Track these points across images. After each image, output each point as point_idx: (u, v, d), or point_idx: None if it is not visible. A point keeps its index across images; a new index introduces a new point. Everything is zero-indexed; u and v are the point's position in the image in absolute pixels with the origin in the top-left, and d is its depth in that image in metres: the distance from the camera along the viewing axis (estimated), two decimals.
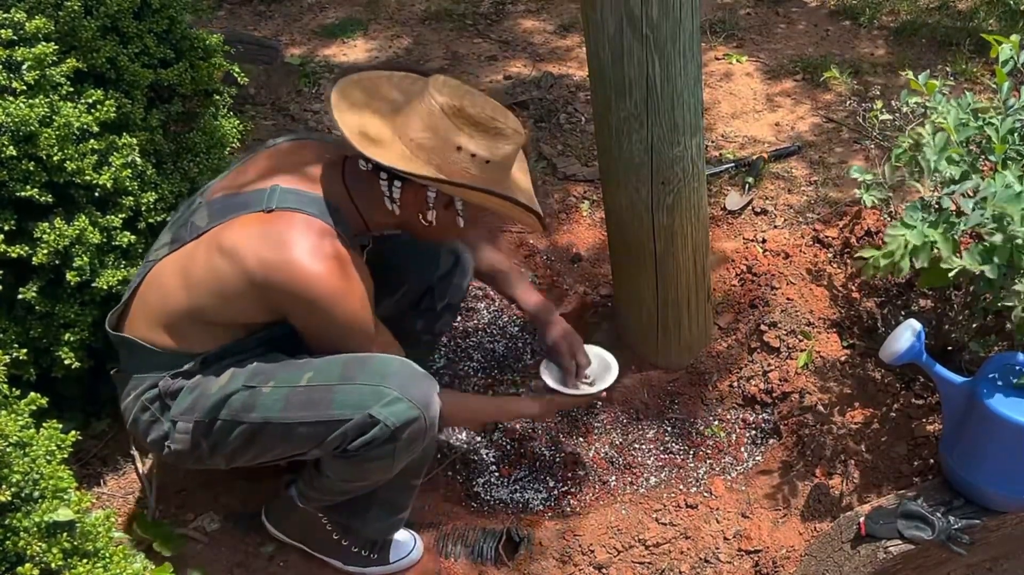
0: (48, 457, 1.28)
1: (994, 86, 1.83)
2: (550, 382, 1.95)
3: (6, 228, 1.69)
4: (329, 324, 1.56)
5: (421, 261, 1.96)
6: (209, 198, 1.62)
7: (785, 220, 2.62)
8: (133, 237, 1.83)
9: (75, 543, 1.25)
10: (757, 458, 2.18)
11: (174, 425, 1.59)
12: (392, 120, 1.57)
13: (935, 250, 1.66)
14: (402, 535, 1.91)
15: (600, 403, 2.33)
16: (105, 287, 1.77)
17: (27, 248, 1.70)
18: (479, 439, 2.25)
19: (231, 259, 1.51)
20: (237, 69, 2.12)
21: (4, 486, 1.18)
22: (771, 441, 2.19)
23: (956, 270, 1.62)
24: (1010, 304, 1.63)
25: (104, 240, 1.79)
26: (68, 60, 1.74)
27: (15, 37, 1.70)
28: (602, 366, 2.01)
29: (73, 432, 1.35)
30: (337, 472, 1.64)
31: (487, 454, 2.22)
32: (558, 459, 2.20)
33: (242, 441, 1.58)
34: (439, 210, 1.61)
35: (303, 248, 1.50)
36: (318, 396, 1.54)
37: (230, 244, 1.52)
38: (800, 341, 2.25)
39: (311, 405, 1.54)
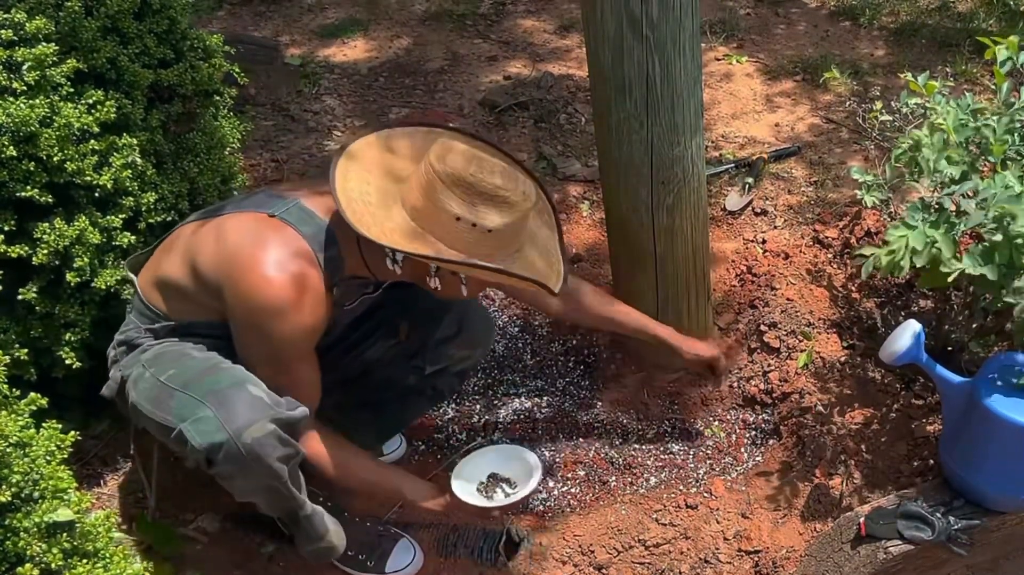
0: (48, 457, 1.28)
1: (994, 87, 1.83)
2: (459, 493, 1.75)
3: (6, 228, 1.69)
4: (255, 333, 1.55)
5: (421, 321, 1.91)
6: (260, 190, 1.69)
7: (785, 221, 2.62)
8: (133, 237, 1.83)
9: (75, 543, 1.25)
10: (757, 458, 2.18)
11: (116, 373, 1.65)
12: (399, 187, 1.56)
13: (935, 250, 1.66)
14: (402, 545, 1.91)
15: (599, 403, 2.33)
16: (104, 287, 1.77)
17: (27, 248, 1.71)
18: (479, 439, 2.25)
19: (216, 244, 1.56)
20: (237, 69, 2.12)
21: (4, 486, 1.18)
22: (771, 441, 2.19)
23: (955, 273, 1.62)
24: (1011, 302, 1.63)
25: (104, 240, 1.79)
26: (68, 61, 1.74)
27: (15, 37, 1.70)
28: (525, 471, 1.80)
29: (73, 432, 1.35)
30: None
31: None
32: (558, 459, 2.20)
33: (133, 414, 1.61)
34: (443, 277, 1.58)
35: (271, 256, 1.50)
36: (164, 395, 1.53)
37: (224, 232, 1.57)
38: (800, 341, 2.25)
39: (157, 403, 1.54)
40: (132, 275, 1.70)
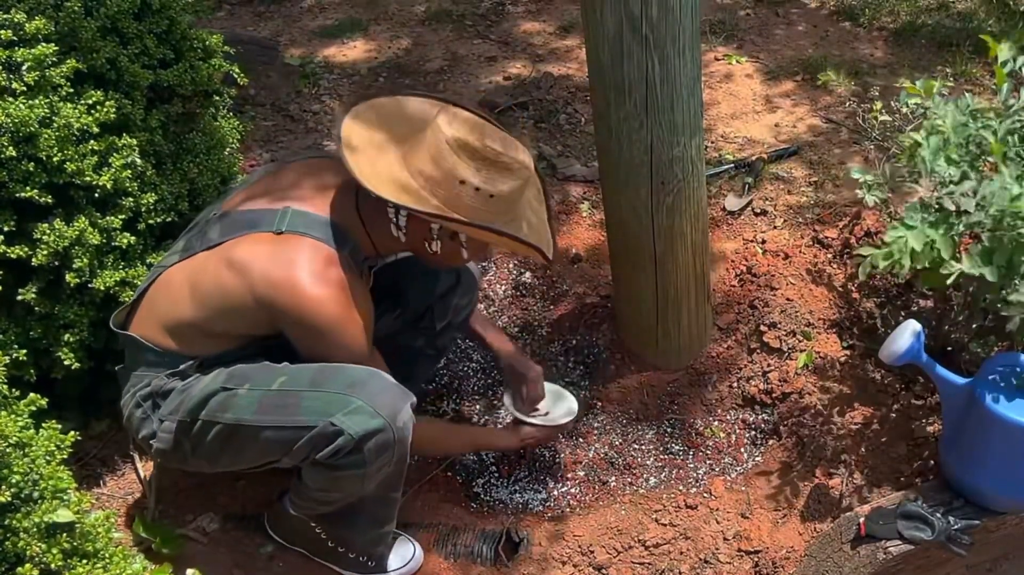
0: (48, 458, 1.28)
1: (994, 87, 1.82)
2: (516, 413, 2.00)
3: (6, 229, 1.69)
4: (324, 347, 1.58)
5: (421, 280, 1.96)
6: (223, 211, 1.67)
7: (785, 221, 2.62)
8: (133, 238, 1.83)
9: (75, 544, 1.25)
10: (757, 458, 2.18)
11: (161, 424, 1.63)
12: (401, 148, 1.59)
13: (934, 251, 1.66)
14: (402, 544, 1.91)
15: (599, 403, 2.33)
16: (103, 288, 1.77)
17: (27, 249, 1.70)
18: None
19: (239, 275, 1.55)
20: (237, 70, 2.12)
21: (4, 487, 1.18)
22: (771, 441, 2.19)
23: (955, 274, 1.62)
24: (1008, 315, 1.63)
25: (104, 241, 1.79)
26: (68, 61, 1.74)
27: (15, 38, 1.70)
28: (558, 400, 2.07)
29: (72, 433, 1.36)
30: (313, 481, 1.64)
31: (487, 454, 2.21)
32: (558, 459, 2.20)
33: (219, 443, 1.60)
34: (444, 241, 1.64)
35: (307, 273, 1.53)
36: (287, 400, 1.55)
37: (239, 260, 1.56)
38: (800, 341, 2.25)
39: (280, 409, 1.55)
40: (131, 333, 1.66)
